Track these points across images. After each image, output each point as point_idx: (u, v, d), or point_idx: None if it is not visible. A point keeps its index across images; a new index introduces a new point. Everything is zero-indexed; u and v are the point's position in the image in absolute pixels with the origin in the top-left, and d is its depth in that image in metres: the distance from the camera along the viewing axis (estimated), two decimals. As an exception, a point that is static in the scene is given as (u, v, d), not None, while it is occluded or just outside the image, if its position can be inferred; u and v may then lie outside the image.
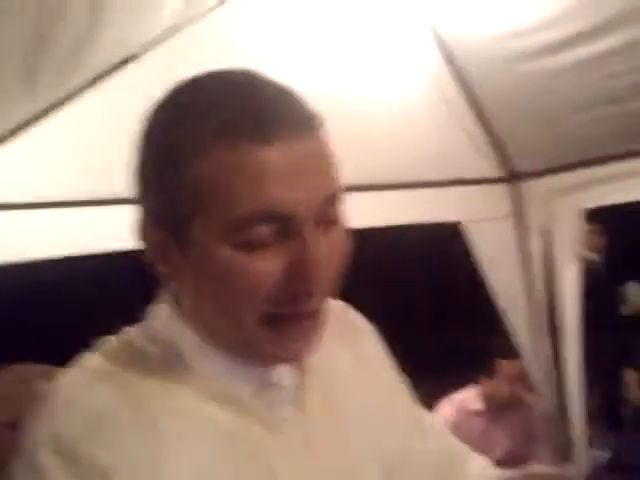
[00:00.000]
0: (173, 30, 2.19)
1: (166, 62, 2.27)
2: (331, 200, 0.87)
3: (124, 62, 2.27)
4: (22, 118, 2.32)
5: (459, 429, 3.92)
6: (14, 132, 2.38)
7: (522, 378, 3.94)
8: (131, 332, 0.96)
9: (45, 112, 2.36)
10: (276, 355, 0.90)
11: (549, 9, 2.81)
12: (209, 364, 0.91)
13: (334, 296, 0.96)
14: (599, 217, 5.42)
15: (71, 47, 1.88)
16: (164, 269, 0.90)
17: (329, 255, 0.86)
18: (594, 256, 5.92)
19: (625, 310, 6.41)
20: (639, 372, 3.51)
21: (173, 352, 0.91)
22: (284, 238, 0.83)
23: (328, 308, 0.92)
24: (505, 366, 3.91)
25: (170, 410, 0.86)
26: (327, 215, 0.86)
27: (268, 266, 0.82)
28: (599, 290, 5.35)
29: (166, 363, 0.91)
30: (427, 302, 12.66)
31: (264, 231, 0.82)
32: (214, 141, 0.81)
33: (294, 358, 0.93)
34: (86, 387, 0.87)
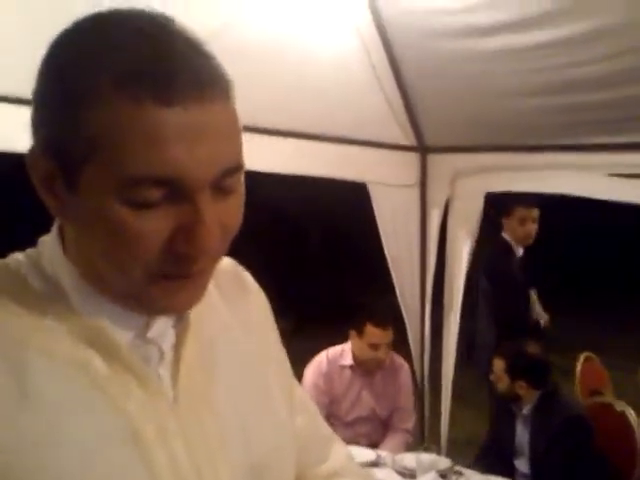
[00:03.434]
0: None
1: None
2: (230, 171, 0.83)
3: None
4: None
5: (330, 381, 4.10)
6: None
7: (388, 347, 4.06)
8: (18, 258, 0.92)
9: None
10: (162, 307, 0.88)
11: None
12: (91, 306, 0.88)
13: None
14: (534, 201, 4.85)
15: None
16: (50, 202, 0.85)
17: (222, 223, 0.84)
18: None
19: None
20: (505, 361, 3.70)
21: (56, 288, 0.89)
22: (176, 201, 0.80)
23: (214, 268, 0.90)
24: (372, 333, 4.02)
25: (43, 351, 0.84)
26: (225, 184, 0.83)
27: (155, 227, 0.80)
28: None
29: (47, 298, 0.88)
30: (323, 255, 12.74)
31: (154, 194, 0.78)
32: (113, 90, 0.77)
33: (180, 310, 0.92)
34: None
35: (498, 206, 4.81)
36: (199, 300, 0.89)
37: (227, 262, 1.11)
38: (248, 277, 1.16)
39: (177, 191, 0.79)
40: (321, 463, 1.18)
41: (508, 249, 4.87)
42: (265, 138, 3.53)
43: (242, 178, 0.87)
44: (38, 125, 0.84)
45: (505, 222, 4.89)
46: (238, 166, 0.84)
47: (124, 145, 0.77)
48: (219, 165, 0.81)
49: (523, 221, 4.81)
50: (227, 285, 1.08)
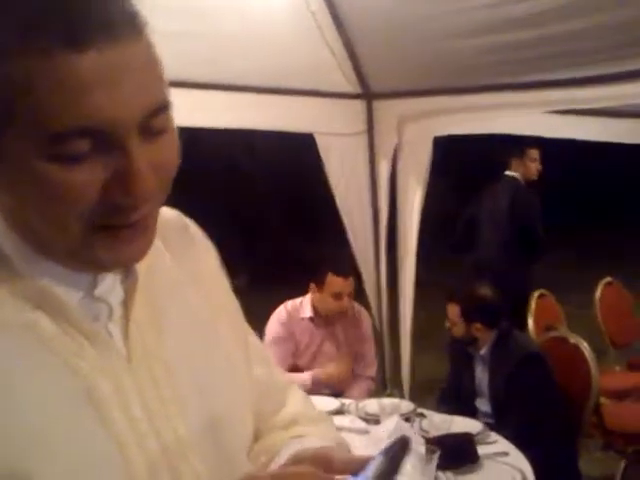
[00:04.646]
0: None
1: None
2: (157, 110, 0.80)
3: None
4: None
5: (291, 333, 4.12)
6: None
7: (350, 296, 4.10)
8: None
9: None
10: (108, 262, 0.85)
11: None
12: (35, 269, 0.85)
13: (170, 204, 0.93)
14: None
15: None
16: None
17: (157, 164, 0.80)
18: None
19: None
20: (459, 305, 3.75)
21: None
22: (105, 150, 0.76)
23: (158, 214, 0.87)
24: (334, 282, 4.03)
25: None
26: (153, 125, 0.80)
27: (87, 179, 0.76)
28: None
29: None
30: (277, 209, 12.72)
31: (81, 145, 0.75)
32: (19, 46, 0.72)
33: (127, 262, 0.88)
34: None
35: (507, 147, 5.58)
36: (146, 251, 0.86)
37: (171, 214, 1.08)
38: (194, 227, 1.13)
39: (104, 140, 0.76)
40: (278, 411, 1.17)
41: (520, 184, 5.55)
42: (207, 93, 3.47)
43: (172, 116, 0.83)
44: None
45: (515, 161, 5.56)
46: (164, 104, 0.81)
47: (40, 101, 0.73)
48: (143, 106, 0.78)
49: (534, 159, 5.56)
50: (173, 237, 1.05)
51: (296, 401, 1.21)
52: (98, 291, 0.89)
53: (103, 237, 0.81)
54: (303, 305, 4.20)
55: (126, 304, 0.92)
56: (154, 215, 0.86)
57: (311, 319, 4.17)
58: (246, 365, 1.09)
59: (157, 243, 0.91)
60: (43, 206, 0.78)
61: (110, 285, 0.90)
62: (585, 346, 3.80)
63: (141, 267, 0.92)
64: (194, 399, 0.94)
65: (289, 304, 4.23)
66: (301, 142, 4.58)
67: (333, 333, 4.19)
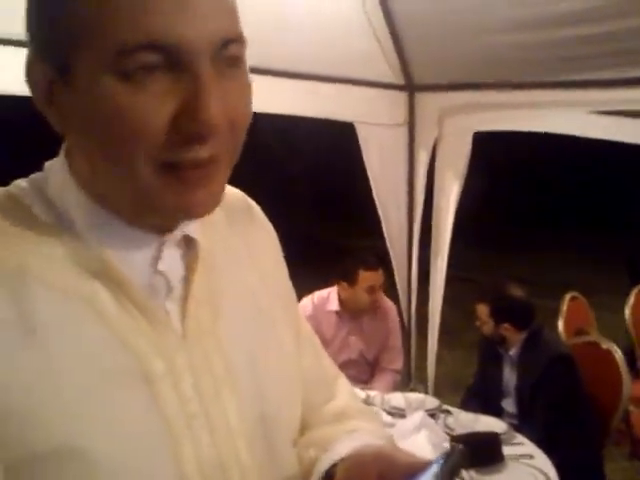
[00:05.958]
0: None
1: None
2: (231, 41, 0.78)
3: None
4: None
5: (316, 325, 4.08)
6: None
7: (381, 288, 4.10)
8: (22, 186, 0.87)
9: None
10: (177, 206, 0.81)
11: None
12: (99, 232, 0.84)
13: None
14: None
15: None
16: (51, 113, 0.81)
17: (227, 102, 0.78)
18: None
19: None
20: (489, 305, 3.70)
21: (62, 216, 0.85)
22: (175, 72, 0.75)
23: (229, 166, 0.85)
24: (367, 277, 4.04)
25: (42, 280, 0.80)
26: (227, 55, 0.78)
27: (156, 103, 0.75)
28: None
29: (52, 227, 0.84)
30: (310, 197, 12.72)
31: (150, 59, 0.74)
32: None
33: (196, 209, 0.83)
34: None
35: None
36: (213, 202, 0.84)
37: (236, 193, 1.07)
38: (257, 210, 1.12)
39: (175, 59, 0.75)
40: (327, 403, 1.15)
41: None
42: (253, 78, 3.46)
43: (244, 55, 0.82)
44: (31, 32, 0.80)
45: None
46: (238, 37, 0.80)
47: (112, 13, 0.73)
48: (217, 30, 0.77)
49: None
50: (236, 216, 1.04)
51: (345, 394, 1.19)
52: (161, 265, 0.88)
53: (171, 179, 0.79)
54: (330, 298, 4.20)
55: (186, 280, 0.91)
56: (224, 162, 0.83)
57: (337, 312, 4.16)
58: (297, 353, 1.09)
59: (221, 219, 0.91)
60: (110, 136, 0.77)
61: (172, 259, 0.89)
62: (617, 352, 3.76)
63: (203, 243, 0.91)
64: (246, 381, 0.94)
65: (315, 296, 4.24)
66: (337, 130, 4.55)
67: (359, 326, 4.19)
